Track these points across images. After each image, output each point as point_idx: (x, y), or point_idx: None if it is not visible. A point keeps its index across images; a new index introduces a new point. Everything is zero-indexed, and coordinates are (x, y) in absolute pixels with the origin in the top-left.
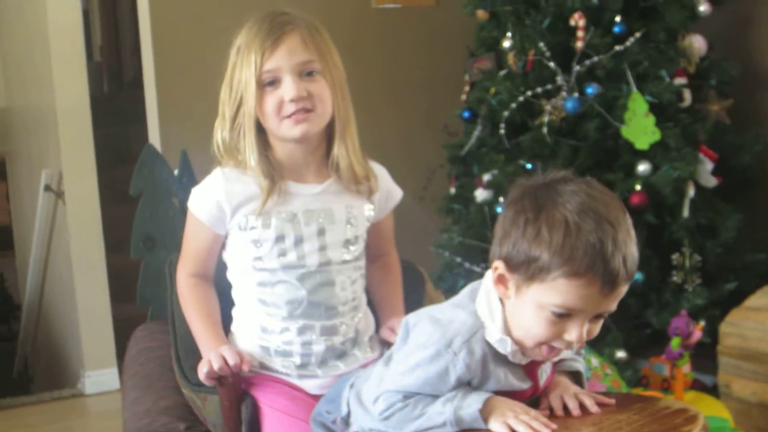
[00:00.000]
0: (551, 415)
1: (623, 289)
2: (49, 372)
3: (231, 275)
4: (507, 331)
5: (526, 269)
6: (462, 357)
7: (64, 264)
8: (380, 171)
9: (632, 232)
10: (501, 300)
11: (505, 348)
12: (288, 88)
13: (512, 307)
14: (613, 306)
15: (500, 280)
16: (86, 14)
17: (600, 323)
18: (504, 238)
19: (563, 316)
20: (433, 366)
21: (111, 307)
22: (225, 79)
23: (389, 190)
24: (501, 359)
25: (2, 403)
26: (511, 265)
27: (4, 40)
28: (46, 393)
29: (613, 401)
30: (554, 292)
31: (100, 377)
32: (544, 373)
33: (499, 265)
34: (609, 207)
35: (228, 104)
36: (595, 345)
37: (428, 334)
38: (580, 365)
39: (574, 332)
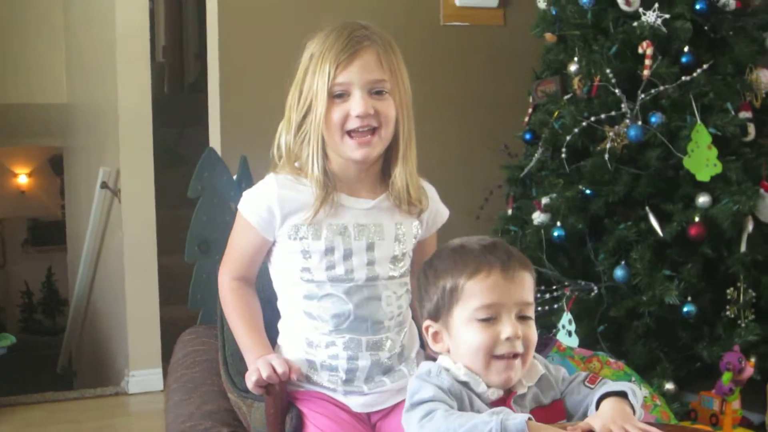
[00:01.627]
0: None
1: (526, 276)
2: (93, 369)
3: (277, 286)
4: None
5: (444, 303)
6: (442, 374)
7: (115, 262)
8: (430, 190)
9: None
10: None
11: (471, 377)
12: (356, 104)
13: (453, 348)
14: (527, 295)
15: (435, 337)
16: (151, 14)
17: (531, 324)
18: (422, 302)
19: (489, 319)
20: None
21: (159, 308)
22: (294, 83)
23: (437, 210)
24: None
25: (46, 396)
26: (435, 314)
27: (69, 37)
28: (89, 389)
29: None
30: (469, 299)
31: (144, 377)
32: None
33: (428, 324)
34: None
35: (295, 109)
36: (644, 375)
37: (412, 387)
38: (624, 387)
39: (506, 328)
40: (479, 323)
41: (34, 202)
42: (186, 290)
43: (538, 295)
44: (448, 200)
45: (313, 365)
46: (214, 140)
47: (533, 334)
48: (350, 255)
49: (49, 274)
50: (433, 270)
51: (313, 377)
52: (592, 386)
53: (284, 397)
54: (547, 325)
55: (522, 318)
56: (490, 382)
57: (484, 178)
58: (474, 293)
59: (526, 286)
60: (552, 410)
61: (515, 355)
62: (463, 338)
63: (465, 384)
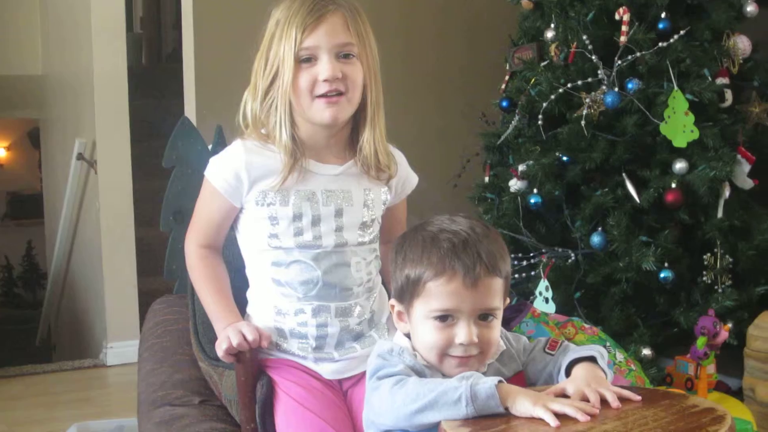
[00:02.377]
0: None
1: (492, 282)
2: (71, 341)
3: (245, 254)
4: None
5: (407, 292)
6: (405, 353)
7: (92, 234)
8: (399, 156)
9: (493, 236)
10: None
11: (427, 368)
12: (324, 68)
13: (413, 333)
14: (489, 301)
15: (399, 316)
16: None
17: (492, 325)
18: (393, 275)
19: (445, 319)
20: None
21: (137, 279)
22: (260, 50)
23: (407, 176)
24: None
25: (24, 370)
26: (399, 297)
27: (45, 8)
28: (67, 362)
29: (639, 398)
30: (429, 298)
31: (122, 349)
32: None
33: (394, 303)
34: (466, 224)
35: (261, 76)
36: (620, 341)
37: (375, 365)
38: (591, 351)
39: (461, 334)
40: (435, 322)
41: (12, 175)
42: (163, 261)
43: (515, 262)
44: (425, 169)
45: (283, 333)
46: (190, 110)
47: (493, 335)
48: (318, 221)
49: (29, 247)
50: (403, 254)
51: (283, 345)
52: (552, 352)
53: (255, 364)
54: (524, 292)
55: (483, 317)
56: (445, 374)
57: (461, 146)
58: (434, 294)
59: (491, 292)
60: (514, 383)
61: (471, 356)
62: (419, 332)
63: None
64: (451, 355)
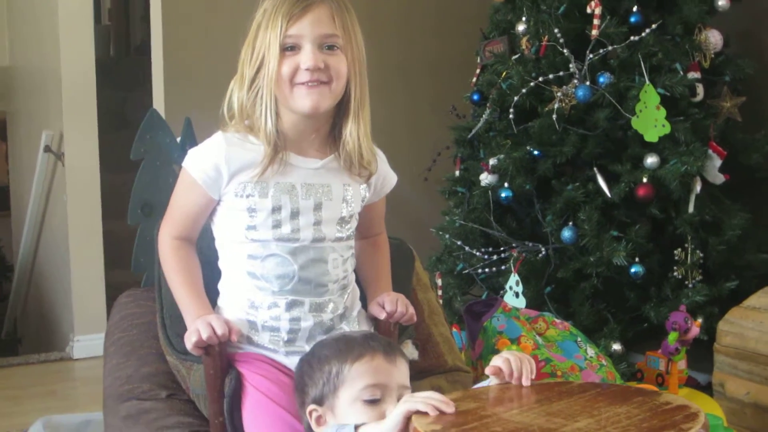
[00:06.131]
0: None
1: (404, 363)
2: (38, 334)
3: (220, 245)
4: None
5: (330, 386)
6: None
7: (59, 227)
8: (379, 155)
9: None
10: None
11: None
12: (306, 57)
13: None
14: (404, 380)
15: (319, 420)
16: None
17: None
18: (304, 390)
19: (374, 401)
20: None
21: (104, 272)
22: (247, 39)
23: (386, 175)
24: None
25: None
26: (320, 398)
27: None
28: (33, 355)
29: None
30: (355, 381)
31: (89, 342)
32: None
33: (312, 409)
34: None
35: (248, 65)
36: (591, 336)
37: None
38: None
39: (390, 410)
40: (364, 404)
41: None
42: (131, 254)
43: (486, 257)
44: (396, 163)
45: (255, 326)
46: (158, 101)
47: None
48: (297, 214)
49: None
50: (317, 358)
51: (254, 338)
52: None
53: (224, 358)
54: (494, 286)
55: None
56: None
57: (432, 140)
58: (359, 374)
59: (404, 371)
60: None
61: None
62: (348, 419)
63: None
64: None
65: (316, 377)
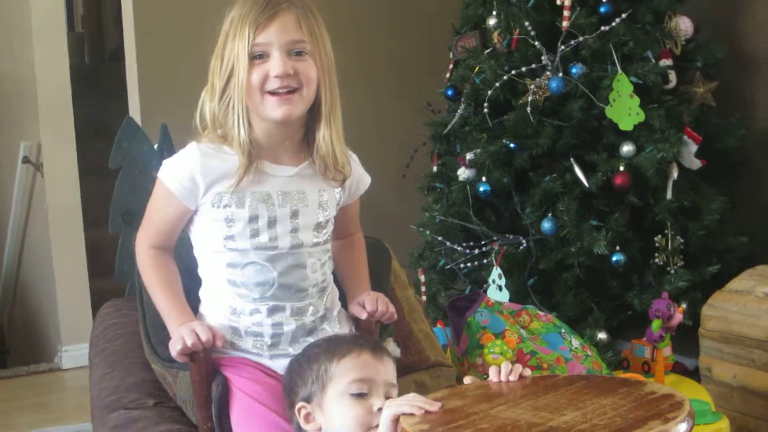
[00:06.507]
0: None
1: (391, 365)
2: (25, 345)
3: (199, 254)
4: None
5: (318, 383)
6: None
7: (42, 237)
8: (352, 157)
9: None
10: None
11: None
12: (275, 64)
13: (324, 425)
14: (392, 378)
15: (307, 417)
16: None
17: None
18: (293, 390)
19: (361, 395)
20: None
21: (89, 281)
22: (216, 49)
23: (360, 177)
24: None
25: None
26: (309, 395)
27: None
28: (22, 367)
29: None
30: (343, 376)
31: (77, 351)
32: None
33: (301, 406)
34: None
35: (218, 75)
36: (575, 326)
37: None
38: None
39: (378, 402)
40: (351, 398)
41: None
42: (114, 262)
43: (467, 251)
44: (373, 160)
45: (238, 332)
46: (134, 109)
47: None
48: (274, 222)
49: None
50: (307, 357)
51: (238, 343)
52: None
53: (209, 364)
54: (477, 280)
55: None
56: None
57: (409, 136)
58: (347, 369)
59: (391, 370)
60: None
61: None
62: (336, 413)
63: None
64: (368, 427)
65: (306, 375)
